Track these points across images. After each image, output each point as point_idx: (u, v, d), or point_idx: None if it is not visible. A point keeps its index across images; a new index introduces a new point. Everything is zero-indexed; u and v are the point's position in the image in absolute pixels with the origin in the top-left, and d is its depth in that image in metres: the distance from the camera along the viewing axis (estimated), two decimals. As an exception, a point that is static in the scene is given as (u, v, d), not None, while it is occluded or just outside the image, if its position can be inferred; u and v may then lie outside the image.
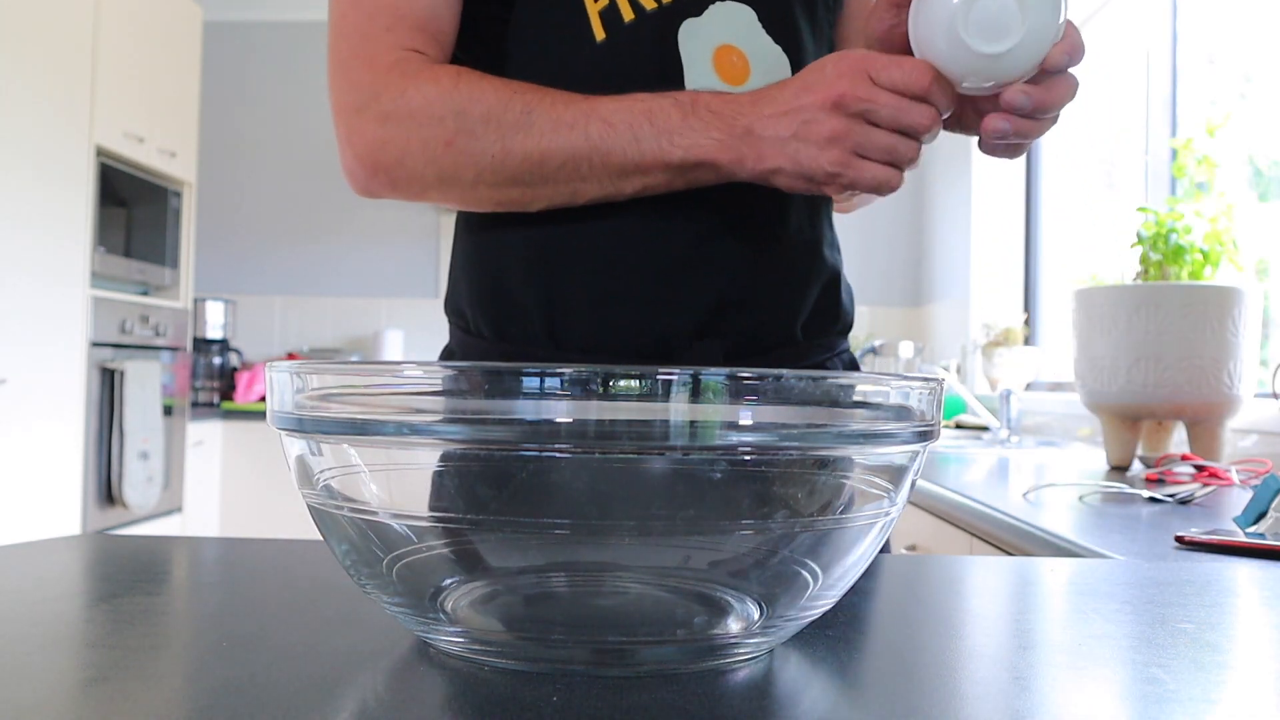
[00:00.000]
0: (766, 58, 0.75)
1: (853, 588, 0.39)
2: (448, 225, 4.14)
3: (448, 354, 0.83)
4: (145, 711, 0.31)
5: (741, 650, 0.36)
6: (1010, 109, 0.63)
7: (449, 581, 0.35)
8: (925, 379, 0.36)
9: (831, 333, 0.82)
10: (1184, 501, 1.12)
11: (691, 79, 0.72)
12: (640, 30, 0.73)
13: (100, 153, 2.94)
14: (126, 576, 0.50)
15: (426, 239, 4.18)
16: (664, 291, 0.73)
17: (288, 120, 4.19)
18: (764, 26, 0.75)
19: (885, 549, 0.57)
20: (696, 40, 0.73)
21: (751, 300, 0.75)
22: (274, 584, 0.50)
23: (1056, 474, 1.53)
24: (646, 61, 0.73)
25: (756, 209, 0.74)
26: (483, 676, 0.34)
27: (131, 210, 3.13)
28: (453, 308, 0.82)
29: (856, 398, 0.34)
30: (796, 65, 0.76)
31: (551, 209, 0.72)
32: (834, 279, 0.81)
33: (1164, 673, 0.37)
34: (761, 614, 0.35)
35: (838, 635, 0.41)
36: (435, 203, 0.74)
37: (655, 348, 0.73)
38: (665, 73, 0.72)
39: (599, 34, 0.73)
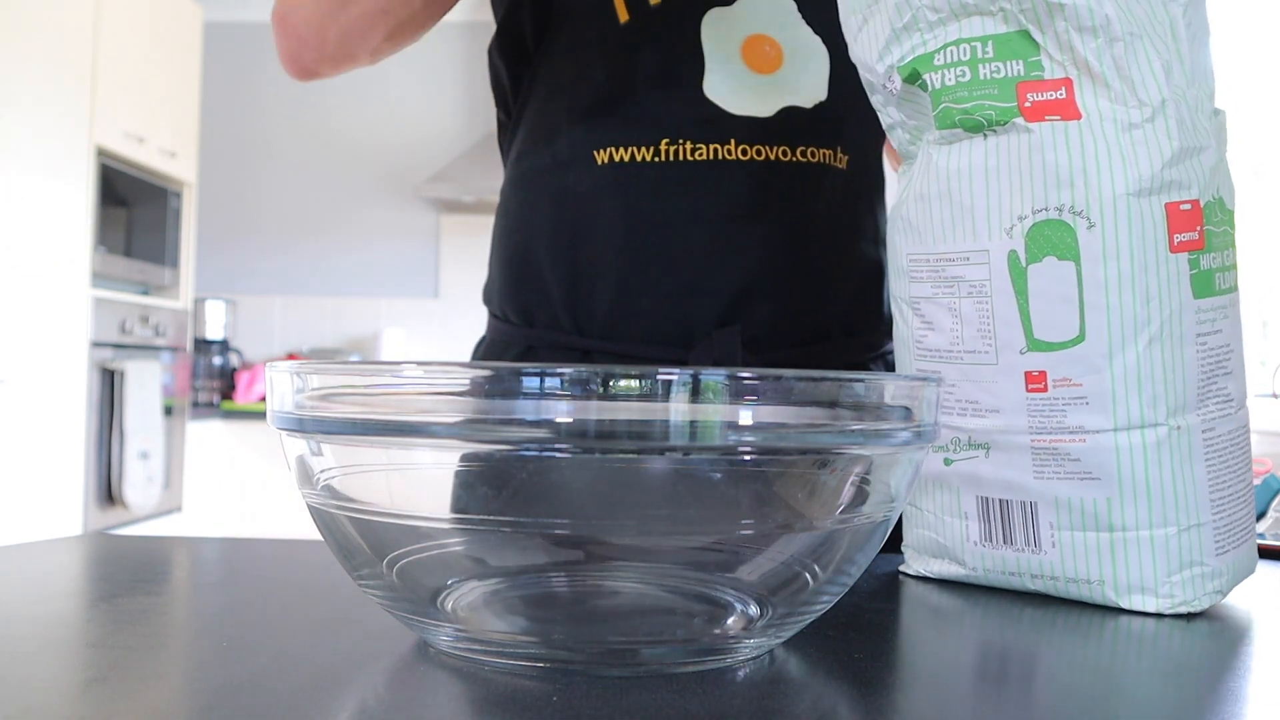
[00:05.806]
0: (803, 47, 0.75)
1: (853, 588, 0.39)
2: (448, 225, 4.14)
3: (481, 344, 0.84)
4: (145, 711, 0.31)
5: (742, 650, 0.36)
6: None
7: (449, 581, 0.35)
8: (924, 379, 0.36)
9: (876, 331, 0.79)
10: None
11: (713, 67, 0.72)
12: (665, 15, 0.73)
13: (100, 153, 2.93)
14: (126, 576, 0.50)
15: (426, 239, 4.18)
16: (686, 278, 0.72)
17: (288, 120, 4.19)
18: (803, 16, 0.75)
19: (889, 547, 0.57)
20: (722, 28, 0.73)
21: (776, 290, 0.73)
22: (274, 584, 0.50)
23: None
24: (666, 46, 0.73)
25: (785, 196, 0.73)
26: (483, 676, 0.34)
27: (132, 210, 3.12)
28: (487, 295, 0.83)
29: (856, 398, 0.34)
30: (836, 56, 0.75)
31: (568, 184, 0.74)
32: (875, 274, 0.79)
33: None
34: (761, 613, 0.35)
35: (838, 635, 0.41)
36: (341, 44, 0.77)
37: (677, 335, 0.72)
38: (685, 58, 0.73)
39: (623, 15, 0.74)
